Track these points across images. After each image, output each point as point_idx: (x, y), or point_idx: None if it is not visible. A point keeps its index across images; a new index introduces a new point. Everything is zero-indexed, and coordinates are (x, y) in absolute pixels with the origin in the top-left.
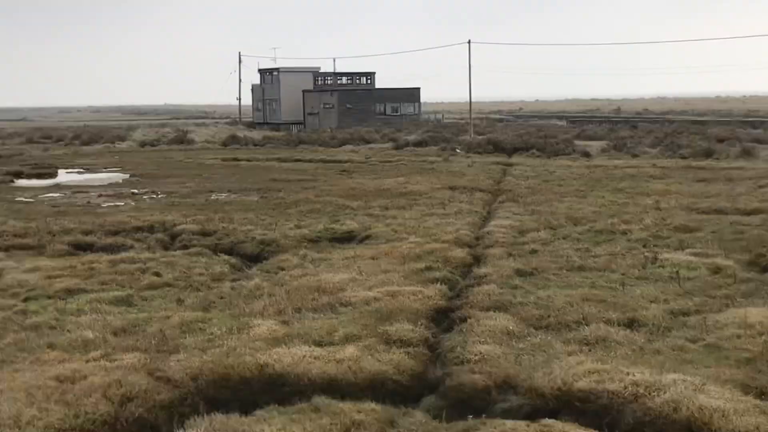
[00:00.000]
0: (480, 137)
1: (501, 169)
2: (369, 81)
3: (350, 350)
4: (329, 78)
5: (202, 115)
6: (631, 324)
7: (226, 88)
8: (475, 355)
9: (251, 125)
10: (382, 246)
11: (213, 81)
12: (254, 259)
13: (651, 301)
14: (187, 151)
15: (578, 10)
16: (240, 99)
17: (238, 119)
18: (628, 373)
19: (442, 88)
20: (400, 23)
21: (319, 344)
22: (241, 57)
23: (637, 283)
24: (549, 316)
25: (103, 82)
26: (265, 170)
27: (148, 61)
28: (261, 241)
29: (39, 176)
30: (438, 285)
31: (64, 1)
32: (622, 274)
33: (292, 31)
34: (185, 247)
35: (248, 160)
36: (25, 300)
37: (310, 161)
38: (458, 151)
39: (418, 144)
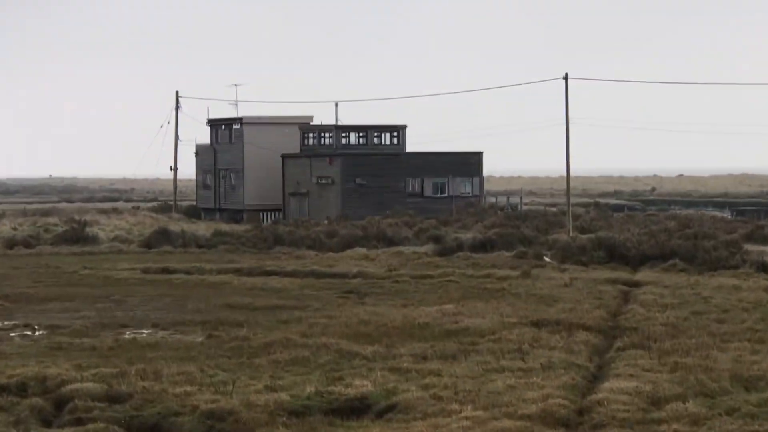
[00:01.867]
0: (584, 237)
1: (620, 293)
2: (396, 140)
3: None
4: (328, 134)
5: (113, 196)
6: None
7: (152, 153)
8: None
9: (193, 212)
10: (415, 425)
11: (131, 140)
12: None
13: None
14: (85, 255)
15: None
16: (176, 169)
17: (171, 202)
18: None
19: (518, 155)
20: (445, 51)
21: None
22: (180, 100)
23: None
24: None
25: None
26: (217, 290)
27: (19, 111)
28: (208, 412)
29: None
30: None
31: None
32: None
33: (269, 58)
34: (79, 421)
35: (187, 273)
36: None
37: (292, 275)
38: (547, 259)
39: (479, 247)
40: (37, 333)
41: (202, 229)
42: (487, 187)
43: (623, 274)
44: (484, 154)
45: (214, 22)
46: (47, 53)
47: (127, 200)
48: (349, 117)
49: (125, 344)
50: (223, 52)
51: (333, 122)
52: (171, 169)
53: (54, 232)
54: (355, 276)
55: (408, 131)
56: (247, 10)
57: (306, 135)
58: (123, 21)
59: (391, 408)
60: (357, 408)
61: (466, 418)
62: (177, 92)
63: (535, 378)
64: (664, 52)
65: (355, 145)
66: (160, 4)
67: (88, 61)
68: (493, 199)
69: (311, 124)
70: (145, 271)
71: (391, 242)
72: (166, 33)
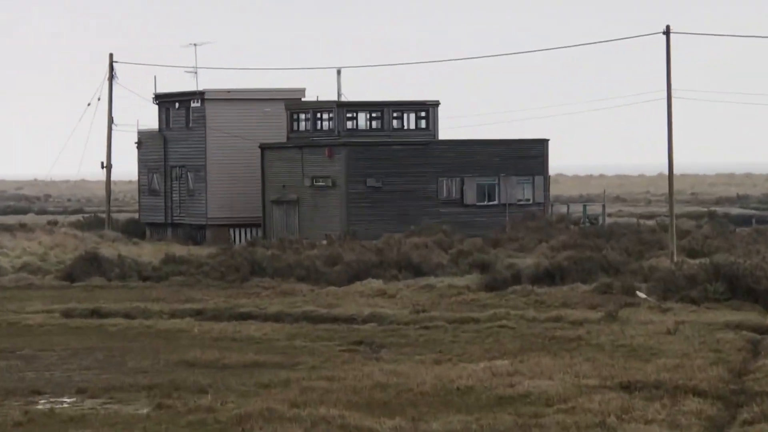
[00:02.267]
0: (694, 262)
1: (746, 342)
2: (424, 122)
3: None
4: (326, 115)
5: (19, 206)
6: None
7: (75, 143)
8: None
9: (135, 229)
10: None
11: (45, 126)
12: None
13: None
14: None
15: None
16: (109, 167)
17: (104, 215)
18: None
19: (599, 143)
20: None
21: None
22: (115, 66)
23: None
24: None
25: None
26: (169, 340)
27: None
28: None
29: None
30: None
31: None
32: None
33: (242, 6)
34: None
35: (127, 317)
36: None
37: (277, 319)
38: (641, 295)
39: (544, 277)
40: None
41: (148, 253)
42: (554, 191)
43: (751, 316)
44: (550, 143)
45: None
46: None
47: (41, 212)
48: (356, 90)
49: (38, 418)
50: None
51: (334, 98)
52: (102, 166)
53: None
54: (366, 320)
55: (441, 110)
56: None
57: (295, 116)
58: None
59: None
60: None
61: None
62: (111, 55)
63: None
64: None
65: (365, 130)
66: None
67: None
68: (563, 209)
69: (303, 100)
70: (67, 314)
71: (417, 271)
72: None
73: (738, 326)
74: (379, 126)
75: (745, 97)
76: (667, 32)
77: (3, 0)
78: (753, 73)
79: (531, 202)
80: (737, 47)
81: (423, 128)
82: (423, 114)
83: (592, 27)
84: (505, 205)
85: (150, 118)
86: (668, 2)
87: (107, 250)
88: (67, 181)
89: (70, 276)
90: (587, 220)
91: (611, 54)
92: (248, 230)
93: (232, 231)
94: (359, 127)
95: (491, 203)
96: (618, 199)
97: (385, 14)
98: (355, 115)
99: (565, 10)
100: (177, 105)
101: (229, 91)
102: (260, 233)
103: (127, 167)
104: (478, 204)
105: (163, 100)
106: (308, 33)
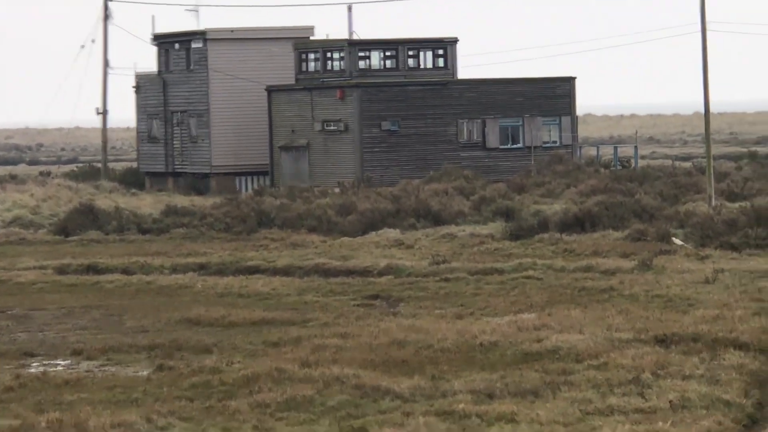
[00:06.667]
0: (734, 206)
1: None
2: (443, 61)
3: None
4: (337, 54)
5: (9, 156)
6: None
7: (68, 89)
8: None
9: (133, 179)
10: None
11: (35, 71)
12: None
13: None
14: None
15: None
16: (105, 113)
17: (100, 164)
18: None
19: (629, 81)
20: None
21: None
22: (110, 5)
23: None
24: None
25: None
26: (171, 297)
27: None
28: None
29: None
30: None
31: None
32: None
33: None
34: None
35: (126, 272)
36: None
37: (286, 272)
38: (677, 242)
39: (573, 224)
40: None
41: (148, 204)
42: (583, 132)
43: None
44: (578, 81)
45: None
46: None
47: (32, 162)
48: (369, 28)
49: (31, 382)
50: None
51: (345, 36)
52: (98, 113)
53: None
54: (382, 272)
55: (460, 47)
56: None
57: (304, 56)
58: None
59: None
60: None
61: None
62: None
63: (661, 423)
64: None
65: (379, 70)
66: None
67: None
68: (592, 151)
69: (312, 38)
70: (61, 270)
71: (437, 220)
72: None
73: None
74: (394, 65)
75: None
76: None
77: None
78: None
79: (558, 144)
80: None
81: (441, 67)
82: (441, 52)
83: None
84: (530, 147)
85: (148, 61)
86: None
87: (104, 202)
88: (60, 129)
89: (64, 230)
90: (618, 162)
91: None
92: (255, 178)
93: (237, 180)
94: (372, 67)
95: (515, 146)
96: (651, 140)
97: None
98: (367, 54)
99: None
100: (177, 46)
101: (232, 31)
102: (268, 181)
103: (124, 113)
104: (501, 147)
105: (162, 41)
106: None
